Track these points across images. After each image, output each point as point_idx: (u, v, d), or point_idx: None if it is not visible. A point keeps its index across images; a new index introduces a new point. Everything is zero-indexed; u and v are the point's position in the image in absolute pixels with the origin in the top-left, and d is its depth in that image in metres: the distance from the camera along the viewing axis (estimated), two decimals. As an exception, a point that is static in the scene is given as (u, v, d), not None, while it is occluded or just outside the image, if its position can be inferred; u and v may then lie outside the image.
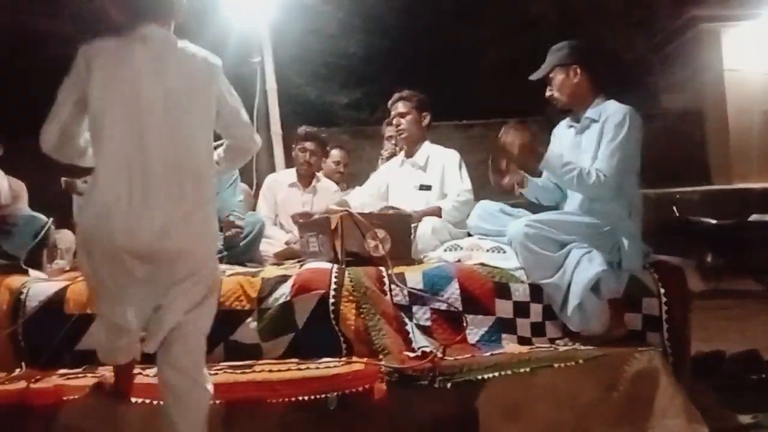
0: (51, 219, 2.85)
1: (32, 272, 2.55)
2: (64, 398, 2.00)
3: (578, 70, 2.58)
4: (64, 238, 3.55)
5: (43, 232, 2.74)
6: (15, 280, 2.38)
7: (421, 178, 3.35)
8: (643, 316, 2.44)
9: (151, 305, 1.77)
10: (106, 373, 2.05)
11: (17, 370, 2.20)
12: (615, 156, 2.43)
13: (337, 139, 8.21)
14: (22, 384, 2.06)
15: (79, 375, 2.14)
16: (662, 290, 2.44)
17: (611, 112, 2.51)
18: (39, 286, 2.36)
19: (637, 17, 7.81)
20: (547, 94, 2.65)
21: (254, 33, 5.62)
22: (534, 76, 2.66)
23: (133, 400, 1.99)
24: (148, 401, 1.98)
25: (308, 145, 3.92)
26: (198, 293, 1.80)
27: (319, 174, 4.11)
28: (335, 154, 4.59)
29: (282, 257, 3.24)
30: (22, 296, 2.30)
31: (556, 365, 2.14)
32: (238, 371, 2.12)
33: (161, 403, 1.81)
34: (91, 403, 2.00)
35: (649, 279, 2.47)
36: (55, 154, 1.83)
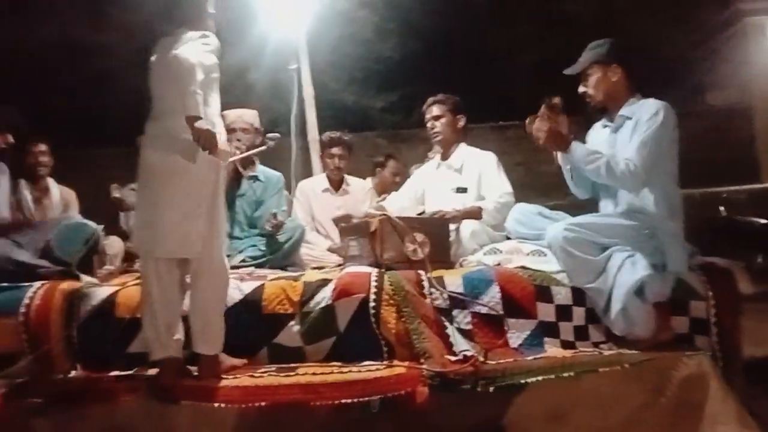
0: (101, 226, 2.94)
1: (84, 278, 2.64)
2: (117, 400, 2.07)
3: (617, 69, 2.55)
4: (113, 244, 3.66)
5: (93, 238, 2.83)
6: (68, 286, 2.46)
7: (457, 180, 3.34)
8: (690, 319, 2.38)
9: None
10: (156, 374, 2.12)
11: (72, 372, 2.29)
12: (645, 147, 2.38)
13: (374, 142, 8.28)
14: (77, 386, 2.15)
15: (130, 377, 2.21)
16: (710, 293, 2.38)
17: (645, 108, 2.47)
18: (91, 291, 2.44)
19: (678, 13, 7.61)
20: (581, 90, 2.62)
21: (291, 41, 5.70)
22: (569, 71, 2.63)
23: (182, 401, 2.05)
24: (196, 403, 2.04)
25: (335, 150, 3.99)
26: None
27: (348, 177, 4.16)
28: (392, 164, 4.66)
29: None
30: (76, 301, 2.38)
31: (600, 370, 2.12)
32: (282, 374, 2.15)
33: (209, 405, 1.87)
34: (142, 405, 2.06)
35: (696, 281, 2.41)
36: None
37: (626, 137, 2.48)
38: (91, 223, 2.94)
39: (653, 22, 7.82)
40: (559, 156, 2.65)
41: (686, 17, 7.65)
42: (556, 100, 2.58)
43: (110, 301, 2.38)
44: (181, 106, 2.08)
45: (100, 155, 8.16)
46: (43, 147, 3.79)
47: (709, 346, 2.33)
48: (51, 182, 3.88)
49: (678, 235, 2.44)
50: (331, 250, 3.58)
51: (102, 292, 2.43)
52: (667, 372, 2.14)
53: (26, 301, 2.37)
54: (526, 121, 2.59)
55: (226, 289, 2.27)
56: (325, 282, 2.42)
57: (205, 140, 2.05)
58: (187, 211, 2.14)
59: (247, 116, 3.49)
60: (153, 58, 2.25)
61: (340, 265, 2.97)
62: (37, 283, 2.47)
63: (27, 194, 3.70)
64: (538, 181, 6.94)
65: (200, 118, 2.06)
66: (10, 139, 2.88)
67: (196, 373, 2.20)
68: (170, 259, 2.20)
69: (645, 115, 2.43)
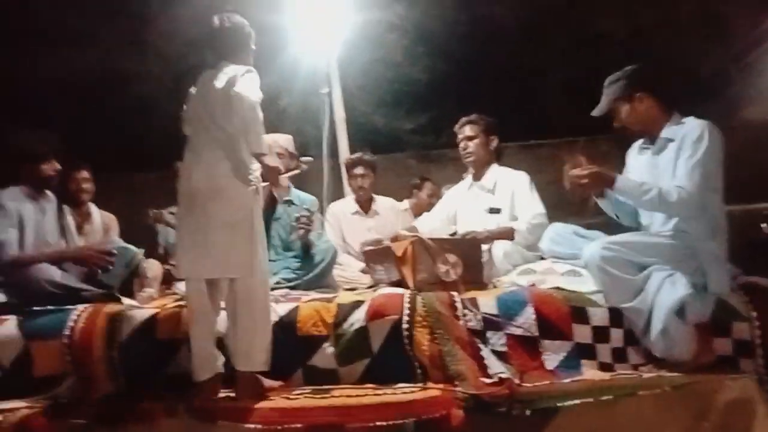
0: (142, 250, 3.02)
1: (125, 300, 2.72)
2: (157, 420, 2.11)
3: (643, 97, 2.51)
4: (152, 267, 3.75)
5: (134, 262, 2.91)
6: (111, 308, 2.53)
7: (490, 201, 3.33)
8: (733, 341, 2.32)
9: None
10: (199, 392, 2.16)
11: (114, 393, 2.34)
12: (696, 171, 2.34)
13: (404, 163, 8.32)
14: (119, 406, 2.20)
15: (170, 398, 2.24)
16: (754, 313, 2.32)
17: (688, 129, 2.42)
18: (132, 313, 2.50)
19: (713, 28, 7.47)
20: (616, 126, 2.59)
21: (323, 66, 5.81)
22: (596, 113, 2.61)
23: (220, 422, 2.08)
24: (233, 424, 2.06)
25: (357, 170, 4.04)
26: None
27: (376, 196, 4.19)
28: (428, 186, 4.71)
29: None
30: (117, 323, 2.44)
31: (640, 393, 2.07)
32: (318, 396, 2.17)
33: (247, 426, 1.89)
34: (181, 425, 2.10)
35: (739, 302, 2.35)
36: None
37: (670, 160, 2.44)
38: (132, 247, 3.03)
39: (687, 37, 7.70)
40: (599, 201, 2.61)
41: (721, 32, 7.51)
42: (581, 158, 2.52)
43: (150, 323, 2.44)
44: (235, 139, 2.23)
45: (138, 179, 8.40)
46: (85, 173, 3.92)
47: (754, 368, 2.26)
48: (93, 207, 4.01)
49: (720, 256, 2.39)
50: (364, 271, 3.60)
51: (142, 315, 2.49)
52: (710, 396, 2.08)
53: (70, 323, 2.44)
54: (570, 173, 2.52)
55: (269, 305, 2.34)
56: (358, 303, 2.43)
57: (273, 176, 2.37)
58: (231, 233, 2.22)
59: (282, 141, 3.57)
60: (199, 88, 2.34)
61: (372, 286, 2.98)
62: (81, 306, 2.54)
63: (70, 220, 3.82)
64: (569, 200, 6.84)
65: (265, 154, 2.27)
66: (57, 165, 2.99)
67: (232, 394, 2.23)
68: (213, 280, 2.28)
69: (690, 137, 2.39)
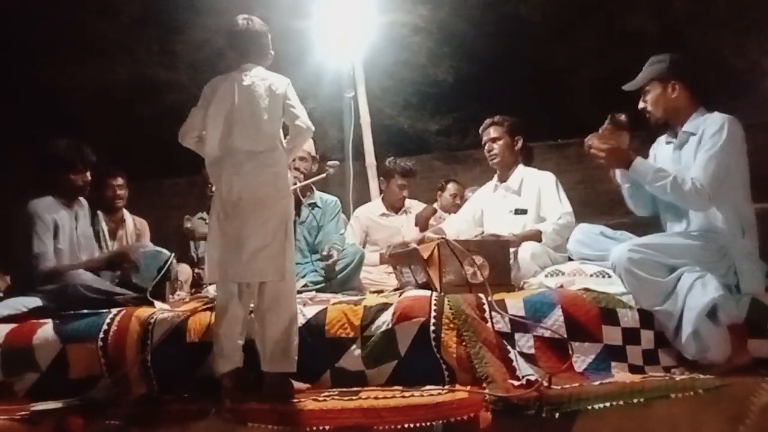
0: (173, 254, 3.09)
1: (157, 304, 2.77)
2: (188, 422, 2.15)
3: (677, 86, 2.48)
4: (183, 270, 3.83)
5: (166, 266, 2.98)
6: (143, 312, 2.59)
7: (515, 202, 3.31)
8: (769, 342, 2.26)
9: None
10: (226, 399, 2.20)
11: (147, 395, 2.40)
12: (711, 164, 2.31)
13: (430, 165, 8.31)
14: (151, 408, 2.25)
15: (201, 400, 2.28)
16: (790, 313, 2.25)
17: (709, 122, 2.39)
18: (164, 316, 2.55)
19: (747, 22, 7.28)
20: (640, 106, 2.57)
21: (347, 69, 5.84)
22: (628, 87, 2.58)
23: (249, 424, 2.11)
24: (262, 426, 2.09)
25: (408, 182, 4.08)
26: None
27: (407, 200, 4.23)
28: (451, 187, 4.73)
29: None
30: (150, 326, 2.49)
31: (672, 395, 2.02)
32: (346, 398, 2.18)
33: (276, 427, 1.92)
34: (212, 427, 2.14)
35: (774, 302, 2.29)
36: (183, 142, 2.45)
37: (691, 154, 2.41)
38: (165, 251, 3.09)
39: (721, 32, 7.52)
40: (618, 174, 2.60)
41: (756, 26, 7.32)
42: (623, 116, 2.53)
43: (182, 327, 2.48)
44: (277, 152, 2.35)
45: (167, 185, 8.57)
46: (120, 180, 4.03)
47: (792, 371, 2.19)
48: (126, 213, 4.11)
49: (752, 254, 2.33)
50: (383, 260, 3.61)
51: (173, 318, 2.53)
52: (745, 399, 2.02)
53: (104, 327, 2.51)
54: (586, 139, 2.55)
55: (296, 308, 2.39)
56: (385, 306, 2.44)
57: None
58: (268, 239, 2.28)
59: (304, 145, 3.61)
60: (238, 90, 2.34)
61: (398, 288, 2.99)
62: (114, 310, 2.61)
63: (103, 225, 3.93)
64: (598, 199, 6.76)
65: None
66: (88, 177, 3.08)
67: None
68: (247, 284, 2.33)
69: (709, 130, 2.36)
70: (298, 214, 3.54)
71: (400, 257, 3.01)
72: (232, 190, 2.30)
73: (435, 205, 4.63)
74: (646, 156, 2.63)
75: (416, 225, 3.99)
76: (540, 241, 3.01)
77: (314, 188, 3.62)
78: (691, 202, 2.37)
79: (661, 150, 2.62)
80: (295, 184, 3.26)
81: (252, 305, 2.37)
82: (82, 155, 3.05)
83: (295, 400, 2.18)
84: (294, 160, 3.38)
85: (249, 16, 2.45)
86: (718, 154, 2.31)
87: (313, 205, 3.58)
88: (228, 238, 2.31)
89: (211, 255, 2.38)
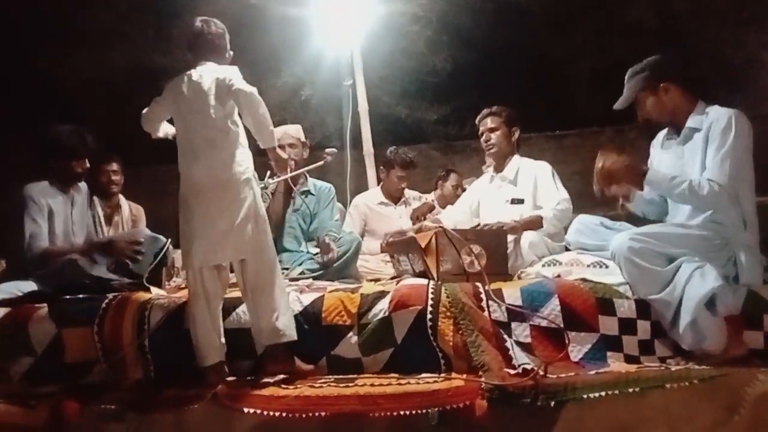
0: (169, 240, 3.08)
1: (153, 290, 2.77)
2: (185, 407, 2.15)
3: (667, 87, 2.46)
4: (179, 257, 3.82)
5: (162, 252, 2.97)
6: (139, 297, 2.58)
7: (512, 192, 3.31)
8: (765, 334, 2.28)
9: None
10: (222, 385, 2.20)
11: (143, 380, 2.40)
12: (726, 162, 2.30)
13: (428, 155, 8.29)
14: (148, 393, 2.25)
15: (197, 385, 2.28)
16: (787, 306, 2.26)
17: (714, 117, 2.37)
18: (160, 302, 2.55)
19: (747, 14, 7.26)
20: (641, 119, 2.55)
21: (346, 57, 5.81)
22: (618, 106, 2.57)
23: (246, 410, 2.11)
24: (258, 412, 2.09)
25: (408, 173, 4.07)
26: None
27: (406, 190, 4.21)
28: (453, 177, 4.71)
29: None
30: (146, 312, 2.49)
31: (668, 385, 2.03)
32: (342, 385, 2.18)
33: (272, 413, 1.92)
34: (208, 412, 2.14)
35: (771, 294, 2.29)
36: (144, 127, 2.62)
37: (696, 149, 2.40)
38: (161, 237, 3.08)
39: (720, 24, 7.49)
40: (634, 202, 2.58)
41: (755, 19, 7.30)
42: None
43: (177, 313, 2.48)
44: (231, 135, 2.40)
45: (163, 171, 8.52)
46: (115, 166, 4.01)
47: (786, 362, 2.20)
48: (122, 199, 4.09)
49: (752, 246, 2.34)
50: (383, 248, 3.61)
51: (170, 304, 2.52)
52: (740, 389, 2.03)
53: (101, 312, 2.50)
54: (598, 160, 2.49)
55: (282, 281, 2.46)
56: (382, 294, 2.44)
57: (282, 165, 2.77)
58: (237, 219, 2.33)
59: (292, 131, 3.62)
60: (190, 86, 2.41)
61: (395, 277, 2.99)
62: (111, 295, 2.60)
63: (99, 211, 3.92)
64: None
65: (275, 147, 2.47)
66: (87, 165, 3.07)
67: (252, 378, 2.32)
68: (217, 267, 2.37)
69: (716, 127, 2.34)
70: (292, 202, 3.54)
71: (398, 245, 3.01)
72: (193, 178, 2.37)
73: (433, 195, 4.62)
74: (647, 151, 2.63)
75: (412, 219, 3.98)
76: (541, 227, 3.01)
77: (307, 176, 3.61)
78: (711, 204, 2.34)
79: (662, 147, 2.61)
80: (290, 171, 3.25)
81: (240, 293, 2.41)
82: (84, 142, 3.04)
83: (290, 387, 2.18)
84: (283, 147, 3.29)
85: (207, 19, 2.54)
86: (732, 152, 2.30)
87: (307, 193, 3.58)
88: (198, 223, 2.36)
89: (183, 245, 2.42)
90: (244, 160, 2.41)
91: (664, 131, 2.62)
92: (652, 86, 2.48)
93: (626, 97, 2.54)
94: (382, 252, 3.71)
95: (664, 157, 2.56)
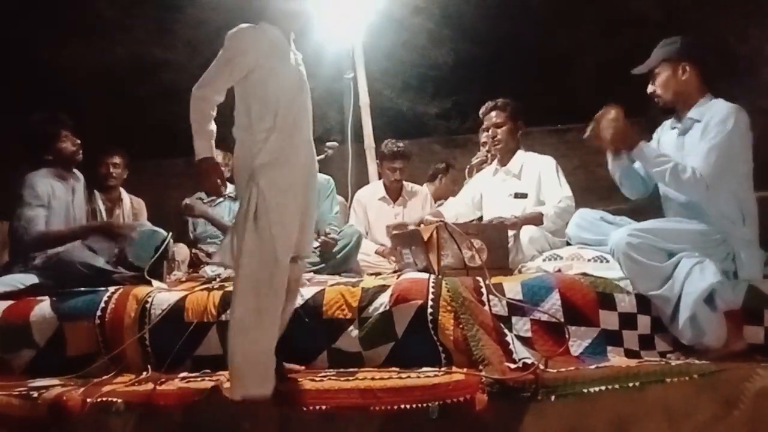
0: (170, 233, 3.08)
1: (154, 283, 2.77)
2: (186, 400, 2.16)
3: (687, 68, 2.45)
4: (180, 251, 3.83)
5: (163, 245, 2.97)
6: (141, 290, 2.59)
7: (516, 186, 3.30)
8: (765, 329, 2.28)
9: None
10: (222, 377, 2.20)
11: (144, 373, 2.40)
12: (713, 154, 2.29)
13: (429, 148, 8.28)
14: (149, 386, 2.26)
15: (199, 378, 2.29)
16: (787, 301, 2.26)
17: (715, 111, 2.37)
18: (161, 295, 2.55)
19: (753, 6, 7.22)
20: (649, 90, 2.54)
21: (347, 50, 5.78)
22: (638, 70, 2.55)
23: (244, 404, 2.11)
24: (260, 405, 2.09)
25: (398, 164, 3.99)
26: None
27: (406, 183, 4.17)
28: (452, 173, 4.70)
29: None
30: (147, 305, 2.49)
31: (668, 380, 2.03)
32: (342, 378, 2.19)
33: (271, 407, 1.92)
34: (210, 405, 2.14)
35: (771, 289, 2.29)
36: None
37: (694, 141, 2.39)
38: (162, 231, 3.08)
39: (725, 17, 7.45)
40: (611, 160, 2.59)
41: (759, 11, 7.26)
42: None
43: (179, 306, 2.48)
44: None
45: (165, 165, 8.53)
46: (116, 158, 4.01)
47: (786, 357, 2.20)
48: (123, 192, 4.10)
49: (752, 241, 2.34)
50: (378, 252, 3.61)
51: (171, 297, 2.53)
52: (740, 384, 2.03)
53: (102, 305, 2.51)
54: (590, 126, 2.51)
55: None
56: (383, 288, 2.44)
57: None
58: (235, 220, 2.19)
59: None
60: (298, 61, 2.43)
61: (396, 271, 2.99)
62: (112, 288, 2.61)
63: (100, 204, 3.92)
64: (597, 184, 6.75)
65: None
66: (77, 141, 3.10)
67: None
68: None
69: (714, 119, 2.34)
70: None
71: (401, 238, 3.00)
72: (311, 166, 2.31)
73: (427, 185, 4.59)
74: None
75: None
76: (541, 223, 3.01)
77: None
78: (689, 191, 2.36)
79: (666, 135, 2.61)
80: None
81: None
82: (57, 121, 3.06)
83: (291, 381, 2.18)
84: None
85: None
86: (721, 145, 2.30)
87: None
88: (297, 215, 2.20)
89: (282, 234, 2.13)
90: (245, 157, 2.20)
91: (669, 121, 2.61)
92: (675, 60, 2.47)
93: (650, 62, 2.52)
94: (376, 253, 3.70)
95: (666, 146, 2.56)
